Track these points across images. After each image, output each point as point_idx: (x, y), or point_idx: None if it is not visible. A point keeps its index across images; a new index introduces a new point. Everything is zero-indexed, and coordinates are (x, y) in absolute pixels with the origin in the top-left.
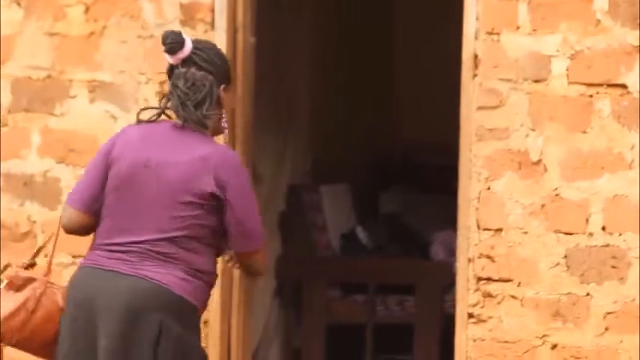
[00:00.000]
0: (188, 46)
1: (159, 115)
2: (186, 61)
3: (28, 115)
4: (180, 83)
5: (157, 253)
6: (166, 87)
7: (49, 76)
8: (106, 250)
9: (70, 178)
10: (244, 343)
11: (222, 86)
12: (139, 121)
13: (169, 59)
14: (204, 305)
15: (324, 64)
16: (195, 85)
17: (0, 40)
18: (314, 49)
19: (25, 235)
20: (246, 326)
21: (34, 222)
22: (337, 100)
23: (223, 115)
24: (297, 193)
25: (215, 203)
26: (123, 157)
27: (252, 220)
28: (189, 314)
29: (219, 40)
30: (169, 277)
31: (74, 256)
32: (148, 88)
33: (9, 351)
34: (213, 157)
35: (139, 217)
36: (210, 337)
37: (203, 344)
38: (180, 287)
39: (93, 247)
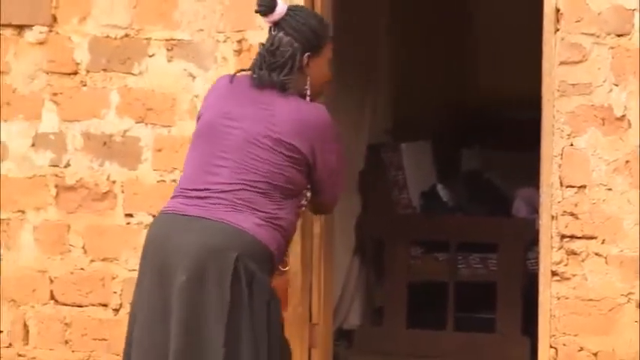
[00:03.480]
0: (279, 11)
1: (258, 78)
2: (277, 25)
3: (106, 74)
4: (267, 45)
5: (235, 198)
6: (244, 45)
7: (126, 35)
8: (184, 197)
9: (149, 138)
10: (325, 302)
11: (308, 54)
12: (233, 75)
13: (264, 20)
14: (281, 257)
15: (403, 19)
16: (278, 49)
17: None
18: (394, 6)
19: (105, 195)
20: (327, 285)
21: (114, 182)
22: (417, 58)
23: (307, 84)
24: (377, 151)
25: (298, 156)
26: (209, 108)
27: (336, 174)
28: (264, 258)
29: None
30: (246, 222)
31: (154, 215)
32: (226, 47)
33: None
34: (299, 111)
35: (218, 165)
36: (291, 296)
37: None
38: (256, 232)
39: (173, 195)
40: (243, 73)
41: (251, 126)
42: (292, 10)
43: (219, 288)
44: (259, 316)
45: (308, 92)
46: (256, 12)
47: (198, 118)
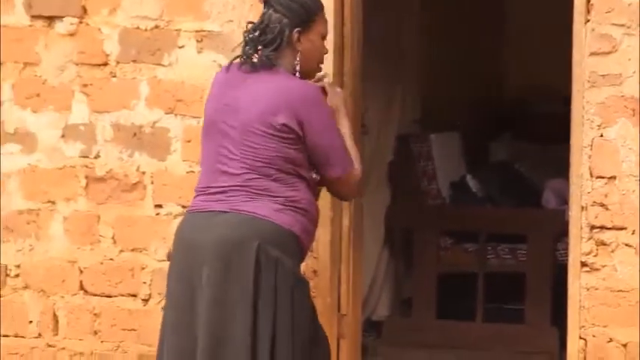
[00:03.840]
0: None
1: (246, 58)
2: (267, 3)
3: (136, 65)
4: (256, 24)
5: (250, 187)
6: None
7: (156, 27)
8: (204, 194)
9: (179, 129)
10: (354, 293)
11: (298, 29)
12: (229, 64)
13: None
14: (309, 238)
15: (433, 11)
16: (268, 26)
17: None
18: None
19: (135, 185)
20: (356, 276)
21: (144, 173)
22: (446, 49)
23: (298, 59)
24: (406, 142)
25: (292, 135)
26: (208, 104)
27: (331, 147)
28: (288, 242)
29: None
30: (264, 209)
31: (183, 206)
32: None
33: (7, 349)
34: (284, 88)
35: (227, 157)
36: (320, 287)
37: (312, 293)
38: (277, 217)
39: (196, 192)
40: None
41: (245, 114)
42: None
43: (243, 280)
44: (284, 302)
45: (298, 68)
46: None
47: (206, 117)
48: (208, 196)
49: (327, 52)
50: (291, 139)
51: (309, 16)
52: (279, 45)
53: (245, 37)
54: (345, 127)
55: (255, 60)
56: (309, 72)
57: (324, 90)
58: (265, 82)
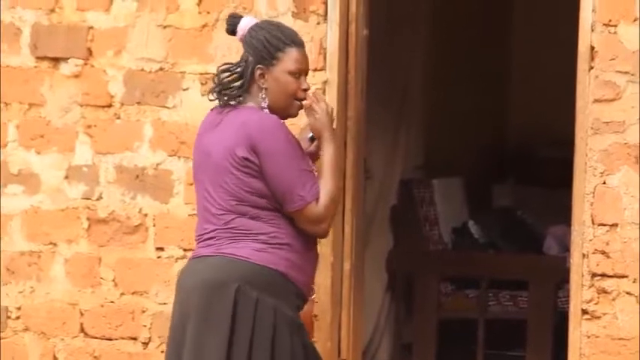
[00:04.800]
0: (241, 29)
1: (216, 98)
2: (243, 43)
3: (140, 107)
4: (226, 65)
5: (232, 229)
6: None
7: (161, 69)
8: (198, 241)
9: (182, 171)
10: (355, 338)
11: (259, 67)
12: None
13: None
14: (300, 272)
15: (438, 58)
16: (238, 64)
17: (114, 32)
18: (429, 42)
19: (137, 228)
20: (356, 321)
21: (146, 215)
22: (451, 94)
23: (263, 96)
24: (409, 187)
25: (255, 167)
26: (193, 153)
27: (286, 178)
28: (272, 280)
29: (332, 32)
30: (245, 250)
31: (185, 249)
32: None
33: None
34: (243, 123)
35: (209, 201)
36: (320, 332)
37: (313, 338)
38: (258, 257)
39: (195, 241)
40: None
41: (216, 155)
42: (256, 25)
43: (221, 321)
44: (262, 341)
45: (264, 104)
46: (226, 32)
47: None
48: (201, 243)
49: (307, 88)
50: (256, 171)
51: (271, 54)
52: (244, 83)
53: (214, 77)
54: (327, 154)
55: (217, 96)
56: (283, 109)
57: (311, 109)
58: (231, 120)
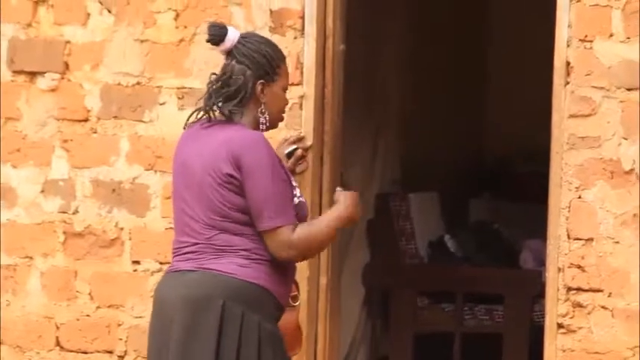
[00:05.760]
0: (230, 40)
1: (205, 112)
2: (229, 54)
3: (117, 121)
4: (218, 75)
5: (214, 245)
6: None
7: (138, 83)
8: (175, 254)
9: (158, 185)
10: (331, 352)
11: (261, 81)
12: (186, 125)
13: (217, 50)
14: (281, 287)
15: (415, 73)
16: (231, 78)
17: (91, 46)
18: (406, 57)
19: (113, 241)
20: (333, 335)
21: (122, 229)
22: (428, 109)
23: (263, 111)
24: (385, 201)
25: (238, 183)
26: (173, 166)
27: (262, 196)
28: (255, 295)
29: (309, 47)
30: (229, 265)
31: (161, 263)
32: None
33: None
34: (229, 139)
35: (190, 216)
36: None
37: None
38: (242, 272)
39: (173, 254)
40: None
41: (199, 170)
42: (244, 37)
43: (207, 337)
44: (249, 357)
45: (263, 120)
46: (207, 42)
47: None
48: (179, 257)
49: (287, 103)
50: (238, 187)
51: (272, 68)
52: (243, 97)
53: (208, 88)
54: (337, 212)
55: (215, 113)
56: (272, 123)
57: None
58: (215, 135)
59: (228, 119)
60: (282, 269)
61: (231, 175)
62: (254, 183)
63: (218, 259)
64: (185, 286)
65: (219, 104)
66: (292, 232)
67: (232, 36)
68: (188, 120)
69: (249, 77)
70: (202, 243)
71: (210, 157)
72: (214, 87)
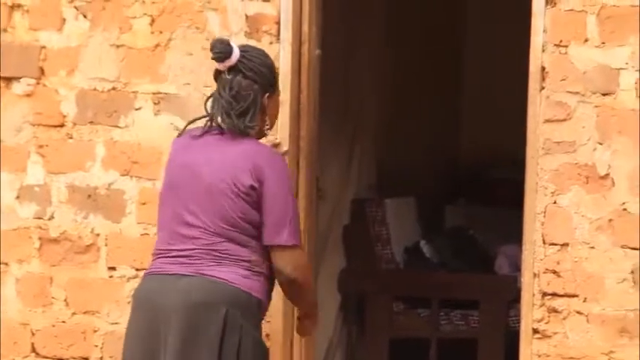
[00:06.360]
0: (235, 55)
1: (210, 121)
2: (233, 69)
3: (92, 127)
4: (225, 92)
5: (216, 251)
6: None
7: (114, 88)
8: (164, 257)
9: (134, 191)
10: (307, 358)
11: (267, 94)
12: (183, 132)
13: (217, 65)
14: (269, 299)
15: (391, 79)
16: (239, 93)
17: (66, 51)
18: (382, 62)
19: (89, 247)
20: (309, 341)
21: (98, 234)
22: (404, 114)
23: (266, 121)
24: (361, 206)
25: (256, 197)
26: (169, 167)
27: (286, 211)
28: (251, 308)
29: (285, 52)
30: (232, 275)
31: (137, 269)
32: None
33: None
34: (251, 152)
35: (193, 222)
36: (273, 352)
37: None
38: (244, 284)
39: (155, 255)
40: (194, 125)
41: (214, 177)
42: (245, 50)
43: (209, 344)
44: None
45: (268, 132)
46: (213, 59)
47: (166, 180)
48: (170, 259)
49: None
50: (255, 201)
51: (276, 81)
52: (254, 112)
53: (214, 103)
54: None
55: (225, 126)
56: (271, 130)
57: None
58: (229, 146)
59: (242, 133)
60: (273, 284)
61: (251, 187)
62: (275, 198)
63: (218, 267)
64: (184, 290)
65: (234, 119)
66: (305, 255)
67: (236, 51)
68: (185, 128)
69: (257, 92)
70: (200, 249)
71: (225, 166)
72: (223, 101)
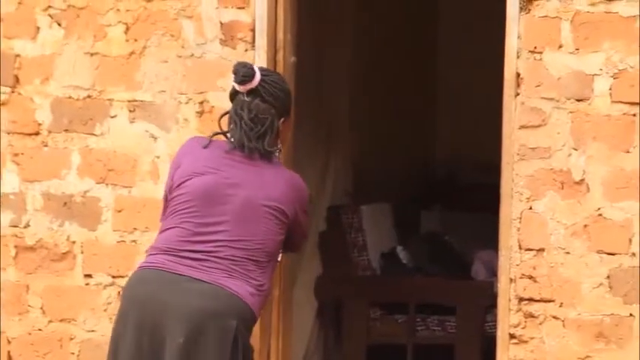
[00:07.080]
0: (257, 78)
1: (248, 148)
2: (252, 92)
3: (68, 135)
4: (245, 114)
5: (232, 265)
6: (206, 106)
7: (89, 96)
8: (171, 254)
9: (110, 198)
10: None
11: (283, 119)
12: (210, 140)
13: (236, 87)
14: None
15: (365, 85)
16: (257, 117)
17: (41, 59)
18: (356, 69)
19: (65, 255)
20: (286, 348)
21: (74, 242)
22: (379, 120)
23: (279, 146)
24: (337, 213)
25: (285, 221)
26: (193, 171)
27: (304, 235)
28: (252, 323)
29: (260, 59)
30: (242, 289)
31: (114, 277)
32: (188, 108)
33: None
34: (288, 177)
35: (216, 229)
36: None
37: None
38: (252, 301)
39: (157, 251)
40: (217, 137)
41: (250, 193)
42: (265, 74)
43: (217, 354)
44: None
45: (279, 155)
46: (236, 82)
47: (173, 182)
48: (178, 259)
49: None
50: (285, 225)
51: (290, 105)
52: (271, 136)
53: (230, 121)
54: None
55: (255, 150)
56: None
57: None
58: (267, 170)
59: (265, 158)
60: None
61: (285, 213)
62: (302, 226)
63: (231, 280)
64: (199, 296)
65: (254, 141)
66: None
67: (258, 75)
68: (210, 140)
69: (274, 116)
70: (217, 257)
71: (271, 191)
72: (242, 123)
